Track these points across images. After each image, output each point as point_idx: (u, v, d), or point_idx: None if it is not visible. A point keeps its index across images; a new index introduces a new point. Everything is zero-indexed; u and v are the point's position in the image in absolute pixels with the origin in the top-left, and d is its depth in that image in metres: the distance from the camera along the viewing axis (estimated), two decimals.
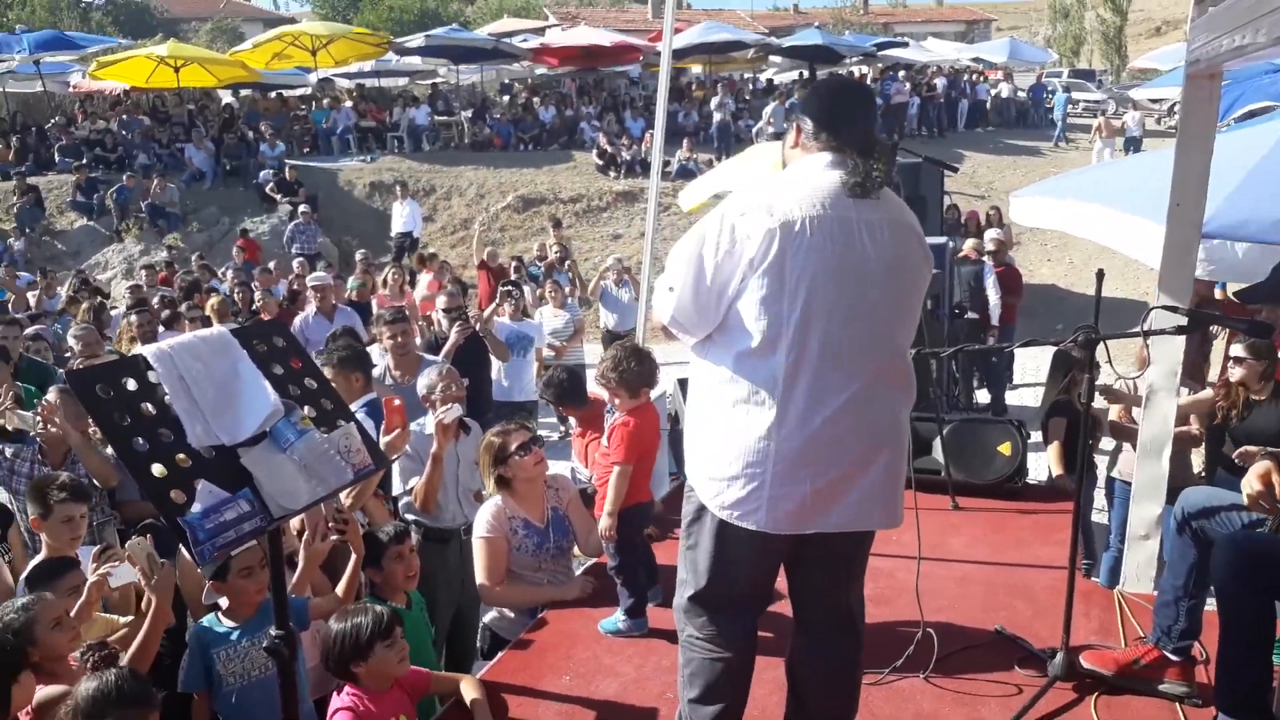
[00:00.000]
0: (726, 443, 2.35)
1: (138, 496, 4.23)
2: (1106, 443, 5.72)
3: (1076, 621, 3.21)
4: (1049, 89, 25.70)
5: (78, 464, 4.53)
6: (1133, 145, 21.01)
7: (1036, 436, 5.58)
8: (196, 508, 1.80)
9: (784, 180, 2.38)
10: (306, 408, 2.07)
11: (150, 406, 1.88)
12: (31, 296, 11.18)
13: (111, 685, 2.33)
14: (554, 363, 8.93)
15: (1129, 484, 4.89)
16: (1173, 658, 3.02)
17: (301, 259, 13.01)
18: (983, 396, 9.55)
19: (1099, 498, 5.82)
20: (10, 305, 10.43)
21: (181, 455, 1.86)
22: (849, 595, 2.60)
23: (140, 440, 1.82)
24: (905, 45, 27.86)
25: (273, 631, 2.11)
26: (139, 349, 2.02)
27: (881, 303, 2.35)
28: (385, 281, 10.37)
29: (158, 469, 1.80)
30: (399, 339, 5.49)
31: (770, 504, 2.31)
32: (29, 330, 7.47)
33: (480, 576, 3.81)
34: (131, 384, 1.87)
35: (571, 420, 4.99)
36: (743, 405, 2.31)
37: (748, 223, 2.26)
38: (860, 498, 2.37)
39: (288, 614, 2.13)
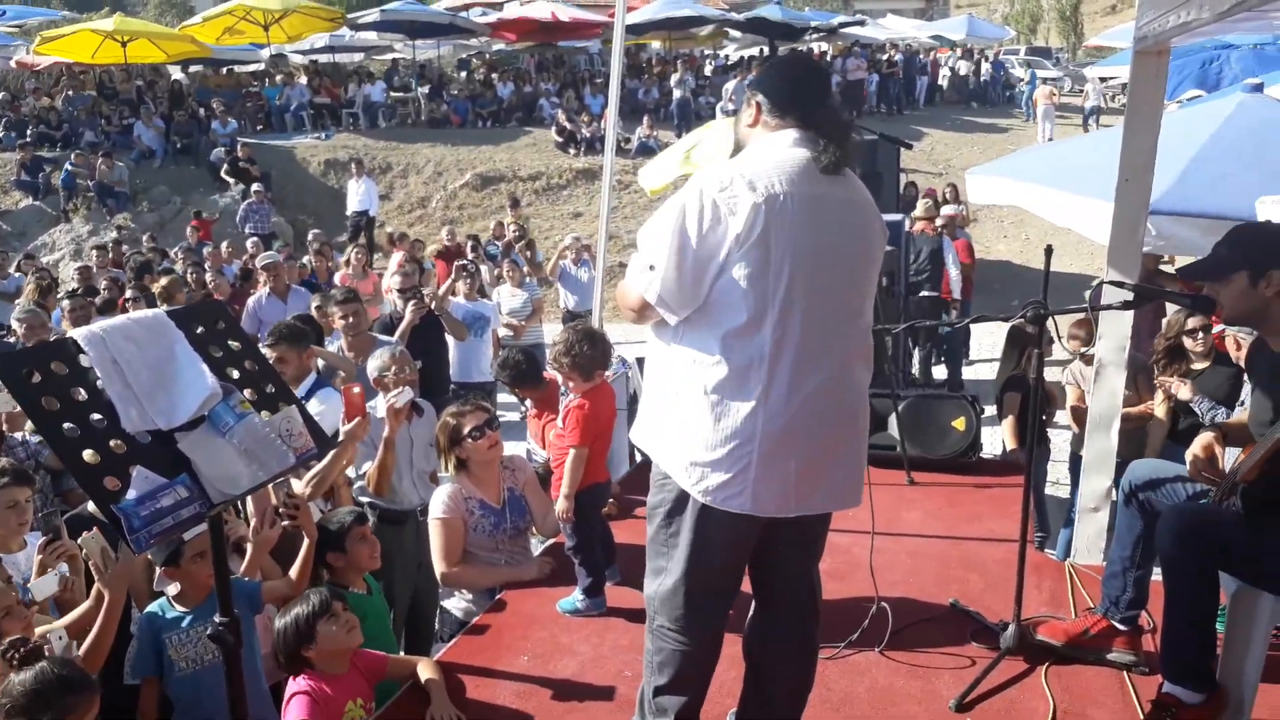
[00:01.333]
0: (709, 426, 2.29)
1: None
2: (1061, 417, 5.80)
3: (1028, 594, 3.26)
4: (1007, 66, 25.91)
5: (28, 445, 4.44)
6: (1095, 115, 22.02)
7: (991, 411, 5.65)
8: (131, 494, 1.75)
9: (755, 156, 2.35)
10: (247, 390, 2.02)
11: (82, 391, 1.82)
12: None
13: (50, 675, 2.28)
14: (511, 342, 8.88)
15: None
16: (1120, 627, 3.07)
17: (256, 239, 12.78)
18: (940, 372, 9.65)
19: (1053, 471, 5.91)
20: None
21: (115, 441, 1.81)
22: (812, 572, 2.61)
23: (70, 425, 1.76)
24: (863, 23, 27.87)
25: (216, 618, 2.07)
26: (73, 331, 1.94)
27: (852, 280, 2.36)
28: (348, 261, 10.22)
29: (89, 455, 1.75)
30: (350, 319, 5.41)
31: (756, 486, 2.28)
32: None
33: (437, 558, 3.78)
34: (60, 367, 1.80)
35: (529, 401, 4.94)
36: (725, 386, 2.27)
37: (729, 197, 2.22)
38: (838, 477, 2.38)
39: (231, 600, 2.09)
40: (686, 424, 2.34)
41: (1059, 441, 6.20)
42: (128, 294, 8.22)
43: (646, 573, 2.57)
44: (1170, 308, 5.00)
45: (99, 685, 2.46)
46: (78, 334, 1.89)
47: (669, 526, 2.46)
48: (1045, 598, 3.56)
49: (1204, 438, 2.69)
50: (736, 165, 2.31)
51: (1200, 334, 4.64)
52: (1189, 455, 2.68)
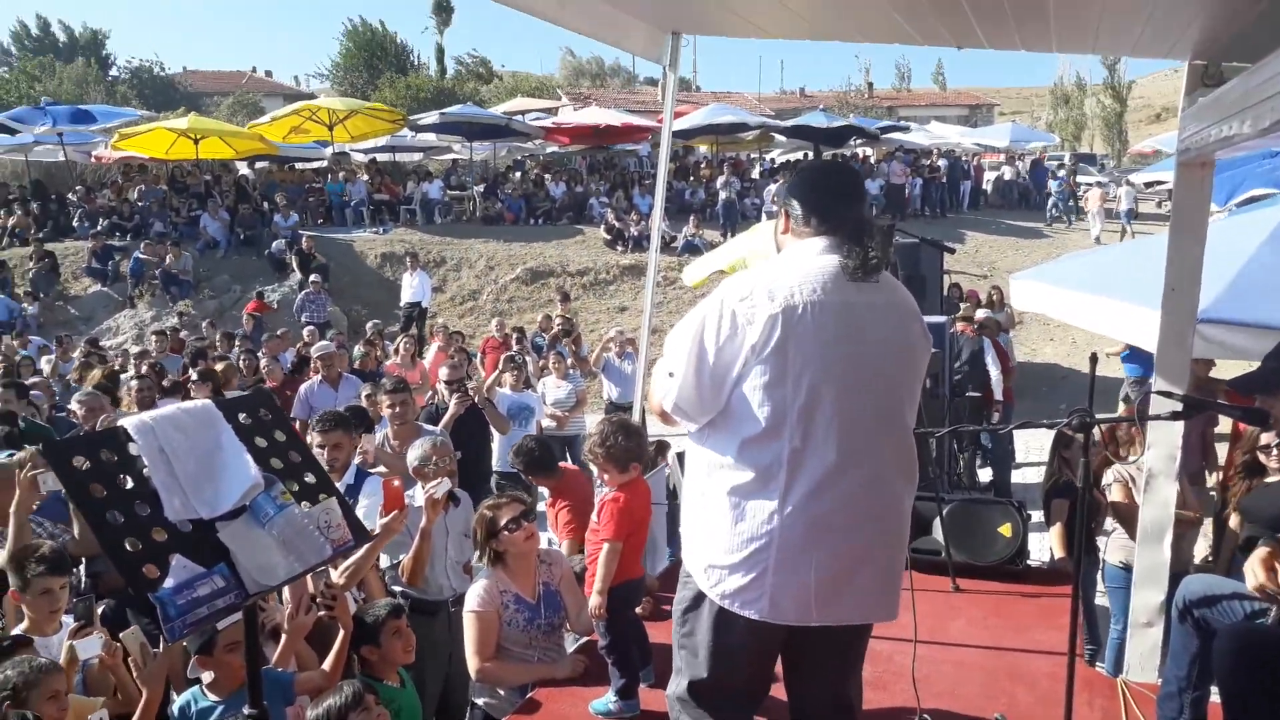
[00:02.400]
0: (728, 529, 2.29)
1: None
2: (1108, 524, 5.64)
3: (1079, 711, 3.13)
4: (1049, 171, 26.10)
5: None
6: (1130, 216, 22.36)
7: (1038, 516, 5.52)
8: (169, 583, 1.77)
9: (781, 265, 2.37)
10: (288, 481, 2.06)
11: (128, 479, 1.87)
12: (45, 362, 11.25)
13: None
14: (555, 433, 8.93)
15: (1123, 569, 4.84)
16: None
17: (311, 327, 13.12)
18: (985, 475, 9.47)
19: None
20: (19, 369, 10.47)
21: (157, 529, 1.84)
22: (847, 684, 2.54)
23: (115, 514, 1.80)
24: (907, 129, 28.33)
25: (246, 711, 2.06)
26: (123, 420, 2.00)
27: (885, 387, 2.33)
28: (396, 350, 10.43)
29: (131, 543, 1.78)
30: (398, 408, 5.50)
31: (773, 592, 2.26)
32: (34, 395, 7.51)
33: (471, 652, 3.73)
34: (109, 455, 1.86)
35: (546, 490, 5.06)
36: (745, 491, 2.27)
37: (748, 308, 2.24)
38: (865, 588, 2.33)
39: (261, 691, 2.08)
40: (708, 525, 2.35)
41: None
42: (192, 375, 8.41)
43: (672, 671, 2.55)
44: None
45: None
46: (128, 423, 1.95)
47: (685, 625, 2.46)
48: (1097, 716, 3.42)
49: (1261, 551, 2.61)
50: (761, 274, 2.33)
51: (1275, 449, 4.54)
52: (1248, 568, 2.60)
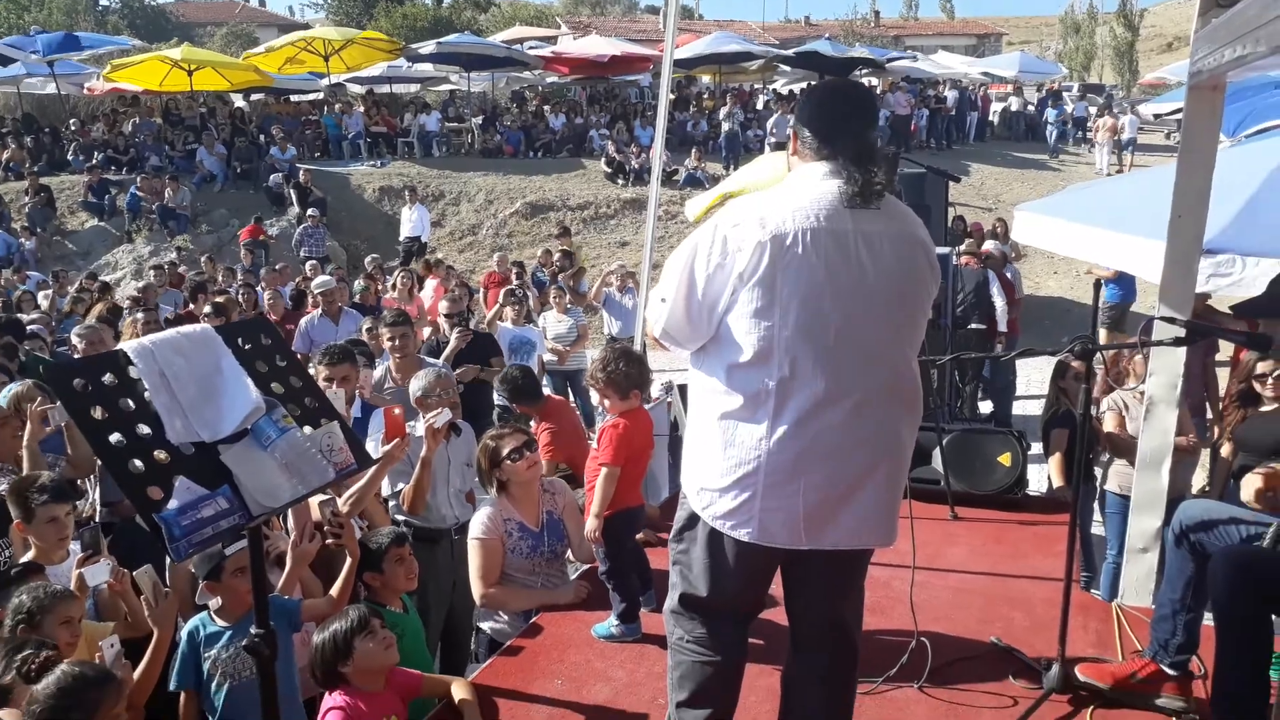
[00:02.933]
0: (718, 453, 2.32)
1: (121, 496, 4.25)
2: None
3: (1073, 634, 3.18)
4: (1047, 100, 25.59)
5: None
6: (1130, 146, 22.18)
7: (1038, 448, 5.55)
8: (173, 504, 1.78)
9: (780, 191, 2.33)
10: (289, 405, 2.06)
11: (130, 402, 1.87)
12: (43, 296, 11.22)
13: (70, 676, 2.35)
14: (556, 367, 8.94)
15: (1121, 497, 4.87)
16: (1170, 672, 2.98)
17: (313, 262, 13.07)
18: (986, 407, 9.50)
19: (1099, 509, 5.77)
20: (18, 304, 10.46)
21: (160, 451, 1.85)
22: (844, 609, 2.56)
23: (118, 435, 1.80)
24: (914, 59, 27.80)
25: (252, 630, 2.09)
26: (123, 344, 2.00)
27: (880, 316, 2.29)
28: (394, 285, 10.39)
29: (135, 464, 1.79)
30: (398, 341, 5.49)
31: (762, 516, 2.28)
32: (30, 329, 7.51)
33: (475, 578, 3.79)
34: (110, 379, 1.86)
35: (533, 420, 5.11)
36: (734, 416, 2.29)
37: (739, 234, 2.23)
38: (858, 515, 2.33)
39: (268, 613, 2.11)
40: (701, 448, 2.38)
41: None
42: (206, 309, 8.35)
43: (668, 587, 2.60)
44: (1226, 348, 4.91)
45: (117, 675, 2.52)
46: (128, 346, 1.94)
47: (680, 543, 2.51)
48: (1091, 639, 3.47)
49: (1266, 468, 2.62)
50: (757, 200, 2.30)
51: (1270, 378, 4.54)
52: (1247, 482, 2.61)
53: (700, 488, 2.37)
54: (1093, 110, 25.08)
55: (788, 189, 2.34)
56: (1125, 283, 10.76)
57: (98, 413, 1.81)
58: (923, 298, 2.42)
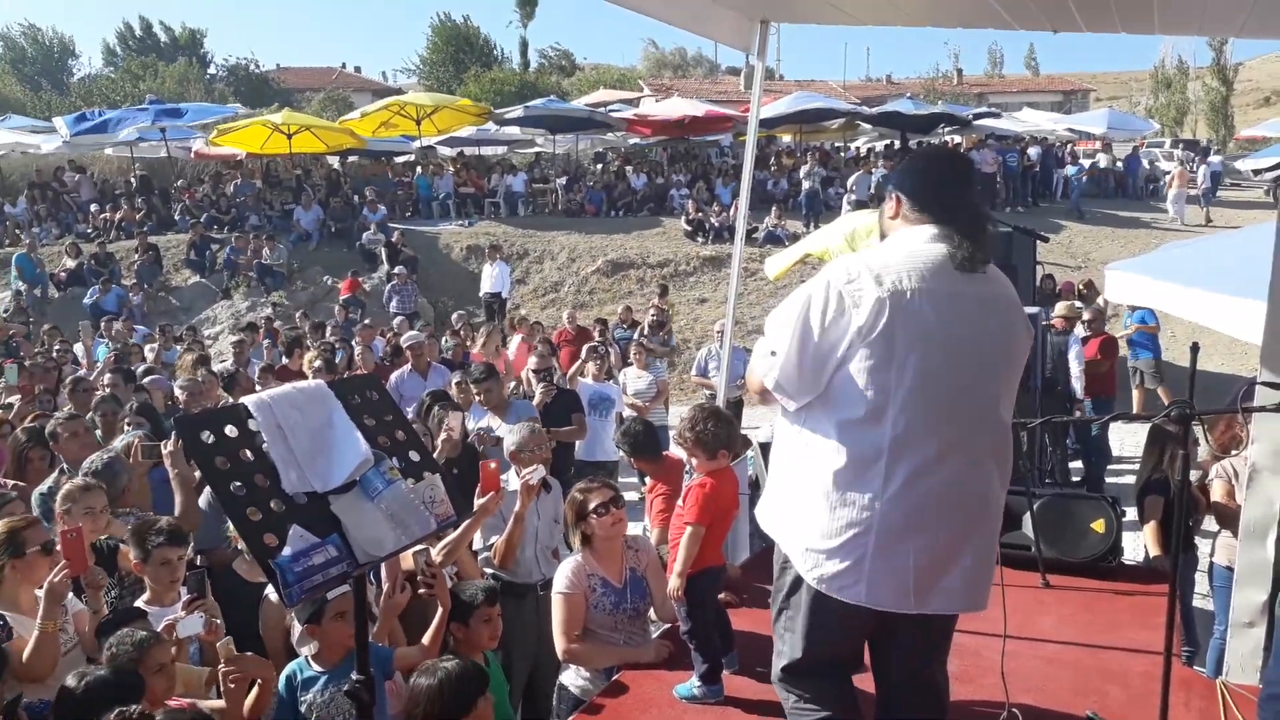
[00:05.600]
0: (826, 513, 2.31)
1: (216, 543, 4.41)
2: (1210, 523, 5.46)
3: (1175, 711, 3.06)
4: (1064, 157, 24.92)
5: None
6: (1209, 198, 22.18)
7: (1133, 514, 5.37)
8: (287, 551, 1.88)
9: (888, 250, 2.37)
10: (395, 459, 2.15)
11: (249, 453, 1.99)
12: (150, 350, 11.77)
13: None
14: None
15: (1229, 569, 4.67)
16: None
17: (400, 317, 13.47)
18: (1077, 472, 9.23)
19: (1201, 581, 5.53)
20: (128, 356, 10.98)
21: (275, 501, 1.96)
22: (936, 668, 2.55)
23: (238, 484, 1.92)
24: (998, 115, 27.57)
25: (353, 675, 2.17)
26: (244, 398, 2.13)
27: (987, 377, 2.33)
28: (481, 342, 10.64)
29: (252, 512, 1.90)
30: (482, 396, 5.68)
31: (871, 577, 2.28)
32: (147, 380, 7.87)
33: (558, 632, 3.82)
34: (232, 431, 1.98)
35: (647, 478, 5.05)
36: (845, 475, 2.28)
37: (855, 290, 2.25)
38: (963, 577, 2.34)
39: (368, 658, 2.18)
40: (805, 509, 2.36)
41: (1207, 550, 5.81)
42: (317, 363, 8.60)
43: (773, 655, 2.60)
44: None
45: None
46: (248, 400, 2.07)
47: (786, 609, 2.49)
48: (1194, 717, 3.33)
49: None
50: (866, 258, 2.33)
51: None
52: None
53: (806, 548, 2.35)
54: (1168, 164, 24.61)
55: (896, 249, 2.36)
56: (1151, 340, 11.14)
57: (221, 463, 1.93)
58: (1021, 360, 2.46)
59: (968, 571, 2.33)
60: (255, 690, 3.08)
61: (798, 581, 2.41)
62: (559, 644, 3.82)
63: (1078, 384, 8.72)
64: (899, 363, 2.22)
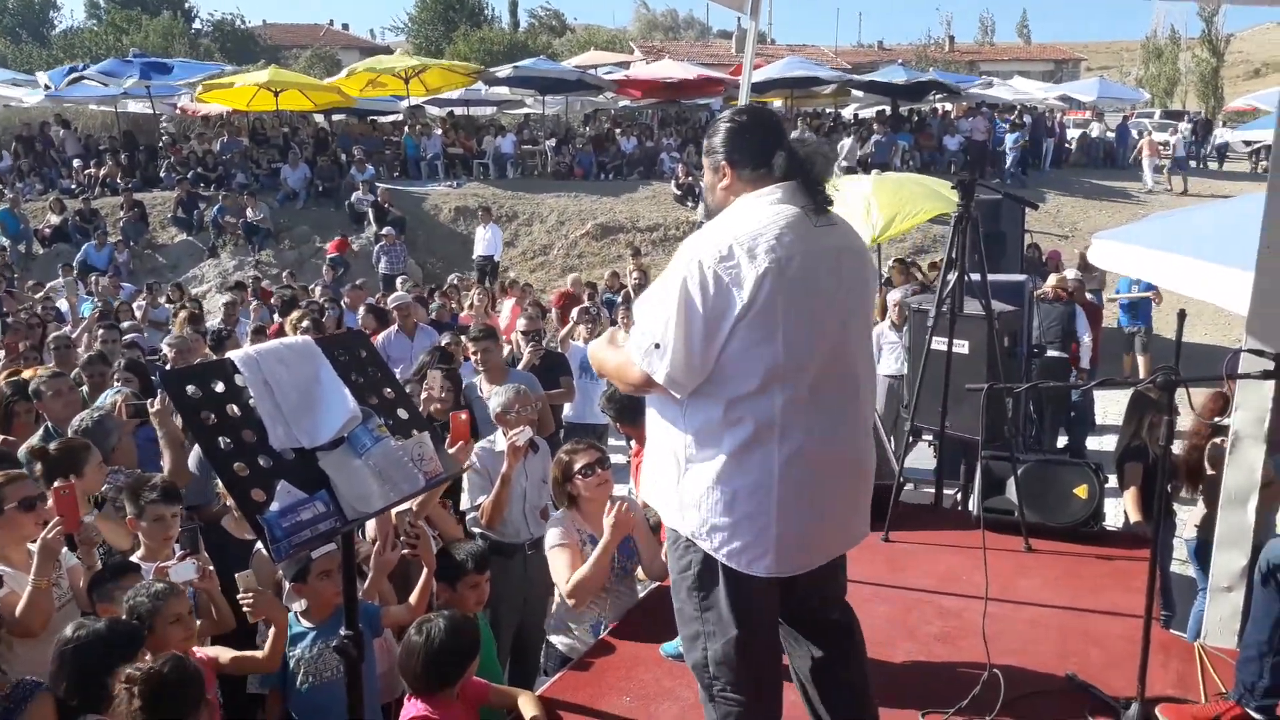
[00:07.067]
0: (726, 490, 2.30)
1: (206, 500, 4.40)
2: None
3: (1153, 673, 3.10)
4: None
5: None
6: (1180, 165, 22.55)
7: (1115, 481, 5.42)
8: (275, 506, 1.88)
9: (742, 219, 2.30)
10: (383, 416, 2.15)
11: (235, 408, 1.98)
12: (136, 307, 11.68)
13: (167, 665, 2.46)
14: None
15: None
16: (1255, 716, 2.91)
17: (404, 277, 13.49)
18: (1062, 438, 9.29)
19: (1180, 547, 5.60)
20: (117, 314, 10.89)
21: (263, 456, 1.95)
22: (840, 592, 2.65)
23: (225, 440, 1.91)
24: (989, 84, 27.45)
25: (342, 631, 2.17)
26: (230, 353, 2.11)
27: (854, 328, 2.40)
28: (471, 304, 10.60)
29: (239, 467, 1.89)
30: (481, 355, 5.68)
31: (779, 545, 2.31)
32: (126, 338, 7.82)
33: (561, 580, 3.78)
34: (219, 386, 1.97)
35: (634, 441, 5.03)
36: (741, 450, 2.27)
37: (731, 268, 2.20)
38: (852, 520, 2.48)
39: (358, 615, 2.19)
40: (702, 489, 2.33)
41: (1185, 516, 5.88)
42: (304, 323, 8.53)
43: (683, 642, 2.55)
44: None
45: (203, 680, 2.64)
46: (235, 355, 2.05)
47: (700, 591, 2.42)
48: (1172, 679, 3.38)
49: None
50: (730, 230, 2.27)
51: None
52: None
53: (710, 528, 2.32)
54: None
55: (749, 217, 2.30)
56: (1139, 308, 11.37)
57: (207, 417, 1.92)
58: (871, 308, 2.59)
59: (856, 515, 2.49)
60: (273, 633, 3.11)
61: (708, 561, 2.37)
62: (562, 586, 3.75)
63: (1086, 354, 8.77)
64: (782, 330, 2.22)
